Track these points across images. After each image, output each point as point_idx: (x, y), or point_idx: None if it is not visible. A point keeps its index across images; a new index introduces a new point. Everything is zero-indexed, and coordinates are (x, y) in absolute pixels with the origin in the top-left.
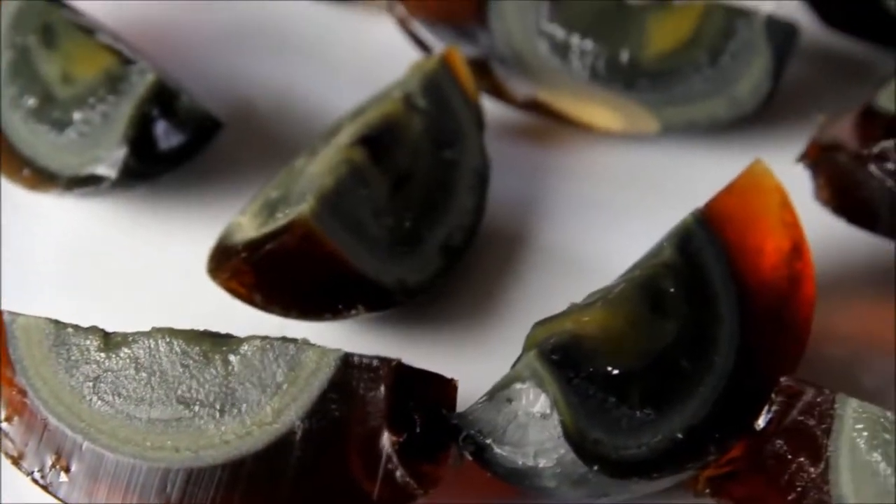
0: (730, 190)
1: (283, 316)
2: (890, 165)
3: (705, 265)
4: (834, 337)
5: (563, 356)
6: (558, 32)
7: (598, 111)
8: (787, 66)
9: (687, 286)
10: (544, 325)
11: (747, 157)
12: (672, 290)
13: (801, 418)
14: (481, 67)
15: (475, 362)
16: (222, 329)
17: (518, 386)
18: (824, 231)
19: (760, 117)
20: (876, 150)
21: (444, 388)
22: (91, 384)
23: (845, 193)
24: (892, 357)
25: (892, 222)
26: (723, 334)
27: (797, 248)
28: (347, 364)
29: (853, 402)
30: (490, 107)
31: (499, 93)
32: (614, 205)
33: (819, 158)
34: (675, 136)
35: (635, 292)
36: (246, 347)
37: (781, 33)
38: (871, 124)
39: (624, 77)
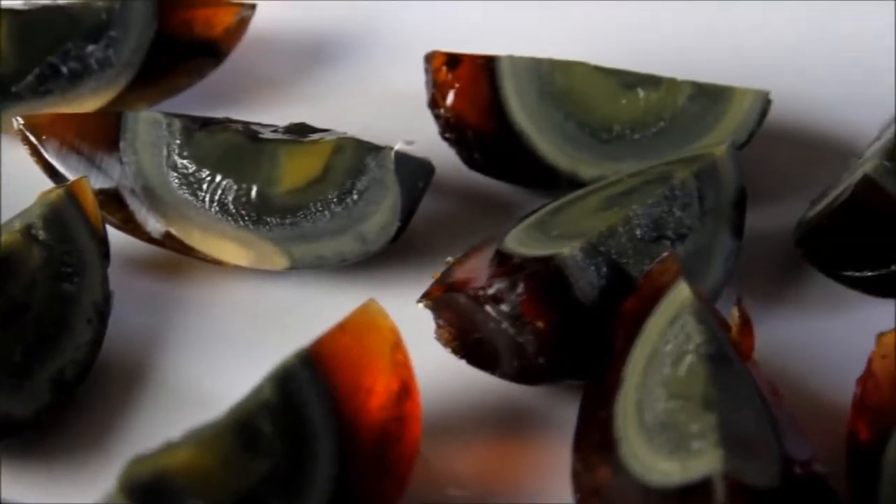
0: (342, 328)
1: None
2: (504, 307)
3: (306, 404)
4: (455, 478)
5: (146, 493)
6: (189, 166)
7: (228, 246)
8: (421, 203)
9: (284, 425)
10: (140, 461)
11: (376, 294)
12: (268, 428)
13: None
14: (113, 200)
15: (80, 499)
16: None
17: None
18: (446, 372)
19: (392, 254)
20: (492, 290)
21: None
22: None
23: (466, 334)
24: (514, 499)
25: (510, 364)
26: (318, 474)
27: (406, 389)
28: None
29: None
30: (118, 238)
31: (130, 227)
32: (239, 340)
33: (441, 298)
34: (304, 272)
35: (228, 431)
36: None
37: (414, 171)
38: (498, 265)
39: (253, 213)
